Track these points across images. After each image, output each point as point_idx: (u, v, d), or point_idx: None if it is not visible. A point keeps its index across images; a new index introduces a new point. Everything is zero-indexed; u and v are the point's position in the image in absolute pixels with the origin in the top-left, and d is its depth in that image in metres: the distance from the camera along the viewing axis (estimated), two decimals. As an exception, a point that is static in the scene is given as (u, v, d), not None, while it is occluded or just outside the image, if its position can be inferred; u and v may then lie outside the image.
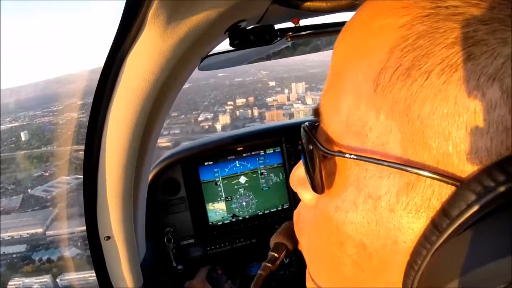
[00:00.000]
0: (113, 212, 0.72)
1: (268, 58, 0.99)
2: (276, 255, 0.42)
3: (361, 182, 0.23)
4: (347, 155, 0.23)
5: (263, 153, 1.25)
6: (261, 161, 1.25)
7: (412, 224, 0.21)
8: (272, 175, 1.26)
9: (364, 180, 0.23)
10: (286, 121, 1.38)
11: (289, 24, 0.72)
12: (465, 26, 0.19)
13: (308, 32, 0.71)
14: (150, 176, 1.10)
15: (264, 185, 1.25)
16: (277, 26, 0.71)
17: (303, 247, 0.34)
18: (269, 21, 0.69)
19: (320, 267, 0.31)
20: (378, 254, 0.23)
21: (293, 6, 0.61)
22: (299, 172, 0.34)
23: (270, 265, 0.43)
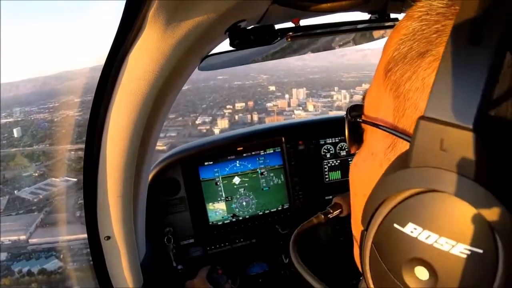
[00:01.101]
0: (113, 212, 0.72)
1: (269, 58, 0.99)
2: (331, 210, 0.50)
3: (370, 143, 0.32)
4: (358, 119, 0.33)
5: (263, 153, 1.25)
6: (261, 161, 1.25)
7: (389, 177, 0.26)
8: (272, 175, 1.26)
9: (372, 141, 0.31)
10: (286, 121, 1.38)
11: (289, 24, 0.72)
12: (439, 22, 0.25)
13: (308, 32, 0.71)
14: (150, 176, 1.10)
15: (264, 185, 1.25)
16: (277, 26, 0.71)
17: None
18: (269, 21, 0.69)
19: (352, 217, 0.37)
20: (374, 202, 0.28)
21: (293, 6, 0.61)
22: None
23: (323, 216, 0.50)
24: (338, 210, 0.49)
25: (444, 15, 0.25)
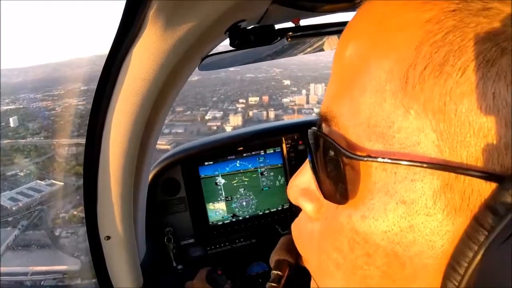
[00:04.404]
0: (113, 212, 0.72)
1: (269, 58, 0.99)
2: (280, 273, 0.40)
3: (391, 187, 0.22)
4: (379, 160, 0.22)
5: (263, 153, 1.25)
6: (261, 161, 1.25)
7: (451, 226, 0.20)
8: (272, 175, 1.26)
9: (394, 185, 0.22)
10: (286, 121, 1.38)
11: (289, 24, 0.72)
12: (495, 21, 0.19)
13: (308, 32, 0.71)
14: (150, 176, 1.10)
15: (264, 184, 1.25)
16: (277, 26, 0.71)
17: (311, 263, 0.32)
18: (269, 21, 0.69)
19: (337, 282, 0.28)
20: (413, 261, 0.22)
21: (293, 6, 0.61)
22: (299, 182, 0.32)
23: (275, 285, 0.41)
24: (287, 268, 0.40)
25: (505, 12, 0.19)
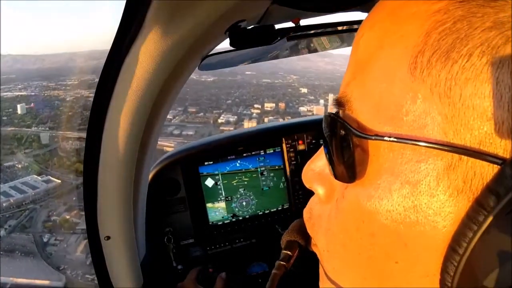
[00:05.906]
0: (113, 212, 0.72)
1: (269, 58, 0.99)
2: (289, 253, 0.41)
3: (397, 168, 0.23)
4: (386, 138, 0.23)
5: (263, 153, 1.25)
6: (261, 161, 1.25)
7: (453, 208, 0.21)
8: (272, 175, 1.26)
9: (400, 166, 0.23)
10: (286, 121, 1.39)
11: (289, 24, 0.72)
12: (501, 11, 0.20)
13: (308, 32, 0.72)
14: (150, 176, 1.10)
15: (264, 184, 1.25)
16: (277, 26, 0.71)
17: (320, 245, 0.33)
18: (269, 21, 0.69)
19: (343, 264, 0.29)
20: (415, 242, 0.23)
21: (293, 6, 0.61)
22: (314, 166, 0.33)
23: (284, 263, 0.42)
24: (297, 249, 0.41)
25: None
